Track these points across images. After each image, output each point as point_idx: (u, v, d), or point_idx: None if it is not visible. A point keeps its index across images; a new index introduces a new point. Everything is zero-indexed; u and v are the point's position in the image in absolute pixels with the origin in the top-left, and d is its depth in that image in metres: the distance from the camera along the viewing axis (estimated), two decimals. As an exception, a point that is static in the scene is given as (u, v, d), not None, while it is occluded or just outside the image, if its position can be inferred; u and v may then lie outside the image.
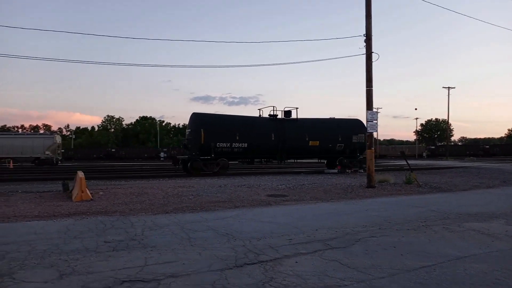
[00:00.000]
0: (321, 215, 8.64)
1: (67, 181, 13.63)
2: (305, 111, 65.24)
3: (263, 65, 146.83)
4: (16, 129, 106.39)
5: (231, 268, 4.59)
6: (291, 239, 6.12)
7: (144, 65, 39.54)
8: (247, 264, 4.78)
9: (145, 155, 67.47)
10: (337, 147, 26.14)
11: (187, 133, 24.45)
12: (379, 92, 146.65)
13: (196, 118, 23.29)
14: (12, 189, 13.95)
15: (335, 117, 28.04)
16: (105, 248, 5.60)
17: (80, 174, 11.83)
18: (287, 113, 25.49)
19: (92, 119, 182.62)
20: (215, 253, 5.24)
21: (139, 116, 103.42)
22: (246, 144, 23.37)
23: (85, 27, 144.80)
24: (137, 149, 72.59)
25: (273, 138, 24.22)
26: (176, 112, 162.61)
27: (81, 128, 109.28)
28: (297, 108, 25.49)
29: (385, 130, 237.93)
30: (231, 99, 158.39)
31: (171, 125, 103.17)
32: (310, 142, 25.30)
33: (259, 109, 26.61)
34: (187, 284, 4.05)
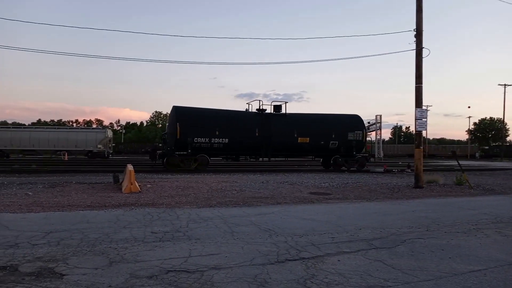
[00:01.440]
0: (365, 214, 8.47)
1: (117, 174, 14.25)
2: (347, 109, 63.94)
3: (308, 61, 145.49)
4: (70, 123, 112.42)
5: (272, 263, 4.62)
6: (333, 237, 6.06)
7: (192, 63, 40.59)
8: (289, 260, 4.79)
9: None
10: (330, 144, 24.34)
11: (166, 127, 23.98)
12: (429, 89, 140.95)
13: (174, 111, 22.19)
14: (67, 180, 14.77)
15: (336, 113, 26.20)
16: (152, 238, 5.81)
17: (130, 167, 12.32)
18: (277, 107, 24.11)
19: (141, 115, 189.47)
20: (257, 248, 5.29)
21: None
22: (226, 140, 22.18)
23: (135, 25, 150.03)
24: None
25: (257, 134, 22.81)
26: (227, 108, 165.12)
27: (130, 123, 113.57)
28: (286, 102, 24.37)
29: (435, 129, 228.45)
30: (275, 96, 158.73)
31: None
32: (299, 138, 23.65)
33: (248, 103, 24.91)
34: (229, 276, 4.12)
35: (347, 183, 15.71)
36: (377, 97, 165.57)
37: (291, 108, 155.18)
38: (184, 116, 21.88)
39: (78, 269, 4.34)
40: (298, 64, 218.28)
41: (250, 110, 24.37)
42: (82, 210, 8.32)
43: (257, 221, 7.25)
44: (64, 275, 4.15)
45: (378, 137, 29.08)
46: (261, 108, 23.78)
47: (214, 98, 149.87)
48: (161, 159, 22.66)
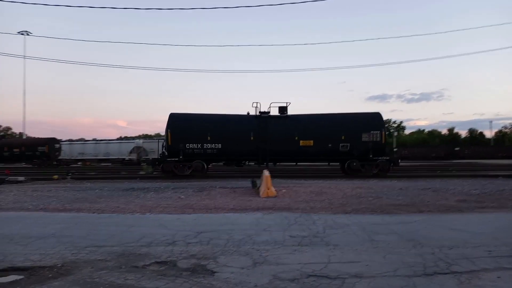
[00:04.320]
0: (530, 226, 7.32)
1: (255, 179, 15.05)
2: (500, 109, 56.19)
3: (451, 56, 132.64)
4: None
5: (419, 276, 4.31)
6: (490, 251, 5.37)
7: (325, 69, 40.48)
8: (438, 273, 4.41)
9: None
10: (340, 147, 21.39)
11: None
12: None
13: (169, 118, 22.08)
14: (212, 185, 16.13)
15: (348, 112, 23.11)
16: (290, 242, 5.97)
17: (266, 172, 12.89)
18: (281, 109, 22.11)
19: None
20: (401, 258, 5.00)
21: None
22: (220, 145, 21.31)
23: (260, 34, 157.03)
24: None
25: (251, 138, 21.35)
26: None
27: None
28: (287, 103, 22.04)
29: None
30: (410, 96, 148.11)
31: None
32: (301, 142, 21.36)
33: (255, 104, 23.16)
34: (371, 286, 3.99)
35: (503, 189, 13.79)
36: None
37: (424, 108, 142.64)
38: (175, 122, 21.84)
39: (227, 267, 4.70)
40: (436, 60, 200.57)
41: (253, 114, 22.73)
42: (227, 213, 9.00)
43: (398, 230, 6.86)
44: (215, 272, 4.53)
45: None
46: (260, 111, 22.25)
47: (341, 103, 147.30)
48: (159, 166, 22.62)
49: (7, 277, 4.49)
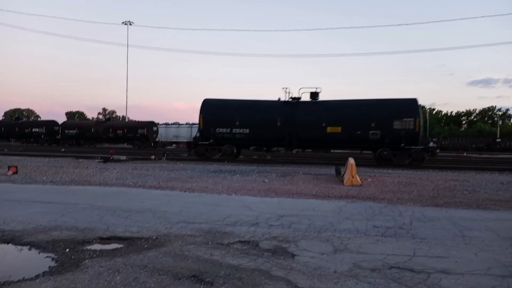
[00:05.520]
0: None
1: (339, 167, 14.83)
2: None
3: None
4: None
5: (516, 278, 3.97)
6: None
7: (418, 51, 37.94)
8: (539, 277, 4.02)
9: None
10: (370, 135, 20.31)
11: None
12: None
13: (202, 104, 22.95)
14: (295, 171, 16.27)
15: (381, 98, 21.96)
16: (374, 232, 5.85)
17: (351, 160, 12.64)
18: (313, 95, 21.83)
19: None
20: (495, 257, 4.64)
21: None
22: (248, 130, 21.75)
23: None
24: (405, 139, 71.03)
25: (278, 124, 21.34)
26: (449, 99, 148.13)
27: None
28: (317, 88, 21.81)
29: None
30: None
31: (443, 113, 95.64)
32: (328, 128, 20.76)
33: (284, 89, 22.77)
34: (459, 283, 3.77)
35: None
36: None
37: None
38: (207, 107, 22.69)
39: (307, 252, 4.77)
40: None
41: (284, 99, 22.60)
42: (308, 199, 9.05)
43: (494, 227, 6.33)
44: (295, 255, 4.64)
45: None
46: (292, 96, 22.16)
47: (441, 87, 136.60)
48: (193, 149, 23.52)
49: (110, 245, 5.07)
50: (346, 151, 28.04)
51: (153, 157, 22.90)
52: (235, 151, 22.49)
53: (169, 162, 20.73)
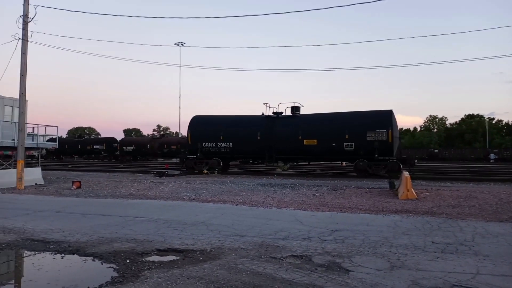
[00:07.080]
0: None
1: (393, 180, 14.37)
2: None
3: None
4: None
5: None
6: None
7: (475, 59, 36.28)
8: None
9: (472, 156, 61.77)
10: (345, 146, 20.73)
11: None
12: None
13: (190, 120, 24.44)
14: (346, 184, 15.96)
15: (354, 111, 22.38)
16: (432, 248, 5.60)
17: (406, 173, 12.21)
18: (294, 109, 22.69)
19: (413, 120, 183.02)
20: None
21: (464, 115, 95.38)
22: (231, 144, 22.84)
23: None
24: (462, 150, 67.51)
25: (258, 138, 22.25)
26: (510, 108, 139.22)
27: (403, 129, 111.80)
28: (294, 103, 22.90)
29: None
30: None
31: (503, 122, 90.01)
32: (304, 141, 21.38)
33: (265, 104, 23.76)
34: (530, 305, 3.52)
35: None
36: None
37: None
38: (194, 124, 24.08)
39: (362, 267, 4.67)
40: None
41: (268, 114, 23.47)
42: (362, 213, 8.84)
43: None
44: (349, 271, 4.55)
45: None
46: (274, 111, 23.11)
47: (500, 96, 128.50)
48: (183, 163, 24.65)
49: (167, 256, 5.26)
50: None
51: (205, 171, 23.43)
52: (221, 164, 23.72)
53: (220, 176, 21.13)
